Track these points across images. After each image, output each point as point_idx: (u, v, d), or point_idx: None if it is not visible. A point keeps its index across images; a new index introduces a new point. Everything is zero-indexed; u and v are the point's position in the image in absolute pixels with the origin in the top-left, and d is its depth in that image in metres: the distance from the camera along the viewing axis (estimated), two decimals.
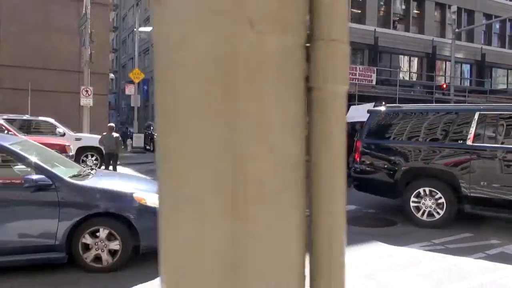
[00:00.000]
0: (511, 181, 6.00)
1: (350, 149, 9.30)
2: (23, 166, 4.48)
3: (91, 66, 17.62)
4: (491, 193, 6.06)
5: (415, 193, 6.63)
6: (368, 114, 7.47)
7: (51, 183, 4.25)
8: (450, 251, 5.47)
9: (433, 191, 6.49)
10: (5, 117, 12.21)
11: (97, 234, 4.38)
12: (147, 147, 22.18)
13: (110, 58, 35.36)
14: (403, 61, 29.99)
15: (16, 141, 4.95)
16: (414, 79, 29.80)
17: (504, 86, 34.12)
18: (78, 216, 4.26)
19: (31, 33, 19.25)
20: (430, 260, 5.15)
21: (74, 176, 4.63)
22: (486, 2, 31.73)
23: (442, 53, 30.37)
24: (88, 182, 4.61)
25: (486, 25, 32.16)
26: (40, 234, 4.29)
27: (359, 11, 27.42)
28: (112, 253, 4.44)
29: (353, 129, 11.43)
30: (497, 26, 33.38)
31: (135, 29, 22.61)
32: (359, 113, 12.29)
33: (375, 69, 24.27)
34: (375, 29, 27.39)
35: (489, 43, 32.92)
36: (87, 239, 4.35)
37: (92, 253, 4.38)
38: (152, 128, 27.11)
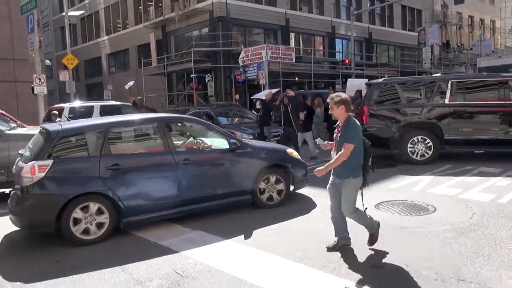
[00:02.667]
0: (477, 127, 8.99)
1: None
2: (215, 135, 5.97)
3: (24, 54, 17.27)
4: (466, 136, 9.00)
5: (410, 140, 9.30)
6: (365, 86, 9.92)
7: (239, 145, 5.80)
8: (451, 174, 8.21)
9: (424, 138, 9.22)
10: None
11: (269, 179, 6.12)
12: None
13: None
14: (310, 39, 33.41)
15: None
16: (320, 55, 33.41)
17: (386, 60, 39.85)
18: (259, 167, 5.91)
19: None
20: (446, 179, 7.79)
21: None
22: None
23: (339, 32, 34.48)
24: (256, 143, 6.22)
25: (370, 7, 37.12)
26: (236, 183, 5.87)
27: None
28: (278, 193, 6.24)
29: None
30: (378, 8, 38.61)
31: (63, 13, 21.90)
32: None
33: (294, 48, 27.05)
34: (285, 11, 30.11)
35: (373, 23, 38.08)
36: (261, 185, 6.03)
37: (265, 195, 6.14)
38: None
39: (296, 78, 29.22)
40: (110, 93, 33.75)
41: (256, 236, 5.26)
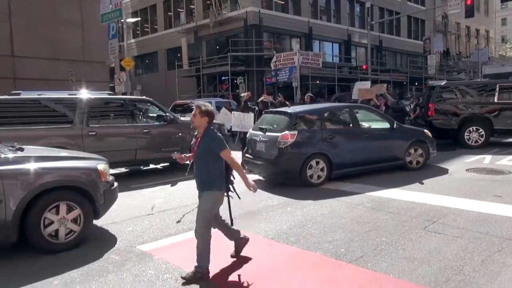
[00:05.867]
0: None
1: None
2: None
3: (94, 56, 19.69)
4: (509, 127, 11.73)
5: (467, 130, 11.98)
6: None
7: (395, 126, 8.55)
8: (503, 154, 10.90)
9: (478, 128, 11.92)
10: None
11: (413, 150, 8.90)
12: None
13: None
14: (330, 46, 36.16)
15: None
16: (338, 61, 36.18)
17: (394, 66, 42.84)
18: (409, 141, 8.77)
19: (40, 26, 20.05)
20: (502, 157, 10.45)
21: None
22: None
23: (353, 40, 37.34)
24: (404, 126, 9.13)
25: (380, 17, 40.01)
26: (391, 150, 8.66)
27: (296, 5, 32.52)
28: (421, 158, 9.10)
29: None
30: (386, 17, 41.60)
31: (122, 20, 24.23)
32: None
33: (321, 54, 29.75)
34: (308, 20, 32.82)
35: (383, 31, 41.03)
36: (409, 153, 8.87)
37: (413, 162, 8.96)
38: None
39: (317, 81, 31.88)
40: (139, 93, 36.02)
41: (412, 185, 7.79)
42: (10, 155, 4.75)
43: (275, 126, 8.13)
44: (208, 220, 4.11)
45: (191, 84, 33.63)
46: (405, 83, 39.59)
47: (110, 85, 21.22)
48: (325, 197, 7.09)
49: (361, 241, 5.05)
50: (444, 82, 12.89)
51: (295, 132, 7.56)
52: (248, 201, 6.33)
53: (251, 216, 6.21)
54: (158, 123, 9.70)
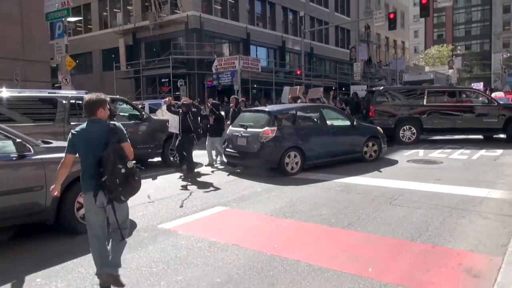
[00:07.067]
0: (443, 120, 13.72)
1: None
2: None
3: (35, 54, 19.35)
4: (437, 126, 13.72)
5: (401, 129, 13.81)
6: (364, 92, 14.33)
7: (356, 123, 9.83)
8: (432, 148, 12.79)
9: (410, 127, 13.79)
10: None
11: (369, 144, 10.23)
12: None
13: None
14: (266, 51, 37.73)
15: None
16: (274, 66, 37.86)
17: (324, 72, 45.61)
18: (365, 136, 10.03)
19: None
20: (432, 151, 12.30)
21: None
22: (311, 9, 41.93)
23: (287, 46, 39.33)
24: (362, 123, 10.33)
25: (311, 26, 42.50)
26: (352, 144, 9.90)
27: (234, 11, 33.69)
28: (375, 151, 10.38)
29: None
30: (317, 26, 44.27)
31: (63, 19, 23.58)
32: None
33: (260, 59, 31.14)
34: (246, 26, 34.12)
35: (313, 39, 43.58)
36: (365, 147, 10.17)
37: (367, 154, 10.23)
38: None
39: (256, 85, 33.26)
40: None
41: (369, 173, 9.11)
42: (47, 145, 5.23)
43: (255, 123, 9.10)
44: (87, 225, 3.78)
45: (129, 85, 33.32)
46: (334, 88, 42.31)
47: (56, 84, 20.74)
48: (301, 184, 8.19)
49: (344, 214, 6.18)
50: (383, 87, 14.70)
51: (275, 128, 8.62)
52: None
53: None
54: (133, 121, 10.20)
